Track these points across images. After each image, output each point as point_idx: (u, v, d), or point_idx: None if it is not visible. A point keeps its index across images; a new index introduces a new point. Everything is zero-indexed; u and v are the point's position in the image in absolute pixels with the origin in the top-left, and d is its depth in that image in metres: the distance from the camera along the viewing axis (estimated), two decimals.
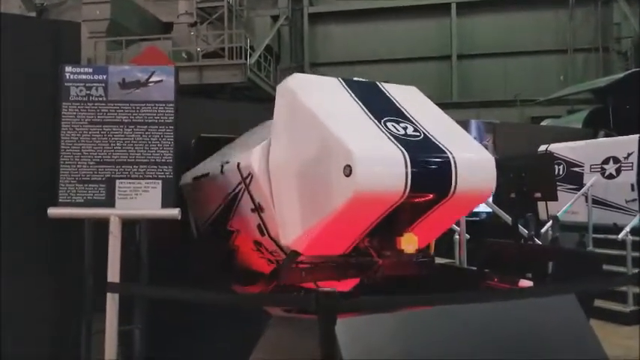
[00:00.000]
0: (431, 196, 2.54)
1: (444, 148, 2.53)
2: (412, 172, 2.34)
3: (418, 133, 2.59)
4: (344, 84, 2.85)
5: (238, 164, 2.90)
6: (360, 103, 2.69)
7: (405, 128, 2.59)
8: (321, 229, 2.49)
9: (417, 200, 2.56)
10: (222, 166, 3.15)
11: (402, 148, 2.39)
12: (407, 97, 2.94)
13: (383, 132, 2.50)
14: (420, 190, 2.42)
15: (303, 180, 2.56)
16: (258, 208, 2.85)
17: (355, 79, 3.11)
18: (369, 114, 2.62)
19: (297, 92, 2.69)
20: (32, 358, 3.46)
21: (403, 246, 2.61)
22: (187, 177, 3.80)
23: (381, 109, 2.71)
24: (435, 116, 2.90)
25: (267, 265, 3.04)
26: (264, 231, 2.86)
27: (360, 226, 2.57)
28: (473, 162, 2.59)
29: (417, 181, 2.35)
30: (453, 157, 2.49)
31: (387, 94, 2.92)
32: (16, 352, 3.35)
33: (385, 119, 2.60)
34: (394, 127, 2.57)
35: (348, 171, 2.26)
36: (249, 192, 2.88)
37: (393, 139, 2.46)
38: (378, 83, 3.00)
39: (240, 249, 3.33)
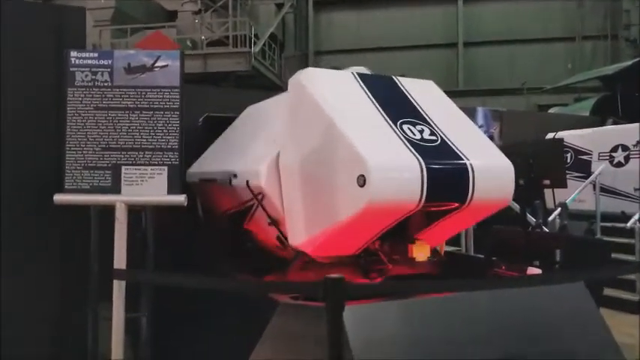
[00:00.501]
0: (446, 205, 2.48)
1: (461, 155, 2.45)
2: (428, 181, 2.27)
3: (435, 137, 2.50)
4: (359, 79, 2.74)
5: (247, 182, 2.81)
6: (376, 103, 2.60)
7: (421, 132, 2.50)
8: (331, 234, 2.45)
9: (431, 209, 2.50)
10: (230, 180, 3.07)
11: (418, 156, 2.31)
12: (424, 93, 2.83)
13: (399, 136, 2.41)
14: (436, 199, 2.36)
15: (314, 183, 2.49)
16: (274, 222, 2.80)
17: (370, 72, 3.00)
18: (384, 115, 2.53)
19: (310, 89, 2.59)
20: (39, 344, 3.47)
21: (415, 254, 2.57)
22: (194, 174, 3.73)
23: (398, 109, 2.62)
24: (451, 116, 2.80)
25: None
26: (284, 242, 2.82)
27: (371, 232, 2.52)
28: (490, 169, 2.51)
29: (433, 190, 2.29)
30: (471, 165, 2.41)
31: (404, 90, 2.81)
32: (22, 338, 3.36)
33: (401, 121, 2.51)
34: (410, 130, 2.48)
35: (362, 181, 2.20)
36: (263, 208, 2.82)
37: (409, 145, 2.37)
38: (394, 78, 2.89)
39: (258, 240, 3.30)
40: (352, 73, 2.80)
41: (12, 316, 3.38)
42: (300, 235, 2.61)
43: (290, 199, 2.64)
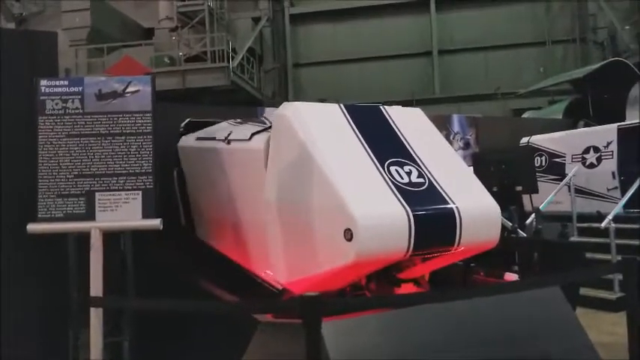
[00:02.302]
0: (433, 251, 2.49)
1: (448, 199, 2.45)
2: (415, 230, 2.28)
3: (422, 180, 2.50)
4: (345, 112, 2.71)
5: None
6: (363, 141, 2.58)
7: (409, 173, 2.50)
8: (317, 280, 2.45)
9: (418, 257, 2.51)
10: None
11: (405, 204, 2.31)
12: (410, 125, 2.82)
13: (386, 182, 2.41)
14: (424, 247, 2.37)
15: (298, 227, 2.48)
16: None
17: (357, 104, 2.96)
18: (372, 155, 2.51)
19: (296, 128, 2.54)
20: None
21: None
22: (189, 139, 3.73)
23: (385, 147, 2.60)
24: (439, 150, 2.81)
25: None
26: None
27: (356, 277, 2.54)
28: (477, 212, 2.52)
29: (421, 239, 2.31)
30: (458, 210, 2.42)
31: (391, 123, 2.79)
32: None
33: (389, 162, 2.51)
34: (398, 173, 2.47)
35: (349, 235, 2.19)
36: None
37: (396, 192, 2.37)
38: (381, 109, 2.87)
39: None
40: (339, 105, 2.77)
41: None
42: (283, 275, 2.62)
43: (273, 236, 2.62)
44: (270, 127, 2.80)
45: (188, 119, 3.99)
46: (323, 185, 2.34)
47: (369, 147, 2.55)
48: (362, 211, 2.21)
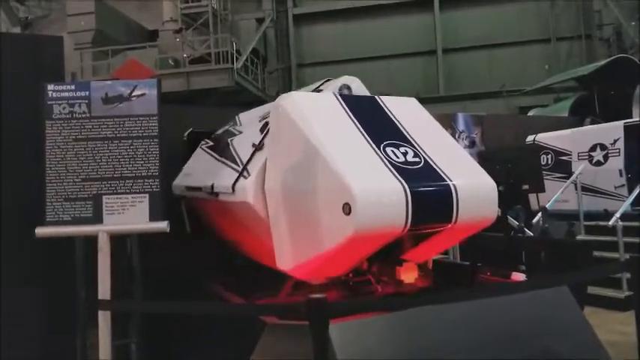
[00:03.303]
0: (431, 227, 2.50)
1: (444, 176, 2.47)
2: (413, 206, 2.29)
3: (418, 159, 2.52)
4: (341, 101, 2.75)
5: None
6: (359, 125, 2.61)
7: (404, 154, 2.52)
8: (319, 261, 2.46)
9: (417, 232, 2.52)
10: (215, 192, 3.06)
11: (402, 180, 2.33)
12: (406, 112, 2.85)
13: (382, 160, 2.44)
14: (421, 222, 2.38)
15: (299, 210, 2.50)
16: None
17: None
18: (367, 138, 2.54)
19: (293, 115, 2.59)
20: None
21: (402, 276, 2.61)
22: (180, 185, 3.76)
23: (381, 131, 2.63)
24: (434, 135, 2.83)
25: None
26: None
27: (358, 257, 2.55)
28: (474, 190, 2.53)
29: (418, 214, 2.31)
30: (454, 186, 2.44)
31: (387, 111, 2.82)
32: None
33: (385, 144, 2.53)
34: (394, 152, 2.50)
35: (347, 209, 2.21)
36: None
37: (392, 169, 2.39)
38: (376, 98, 2.91)
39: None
40: (334, 94, 2.81)
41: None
42: (287, 260, 2.62)
43: (276, 223, 2.64)
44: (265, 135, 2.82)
45: (190, 129, 4.01)
46: (320, 165, 2.37)
47: (365, 130, 2.58)
48: (359, 186, 2.24)
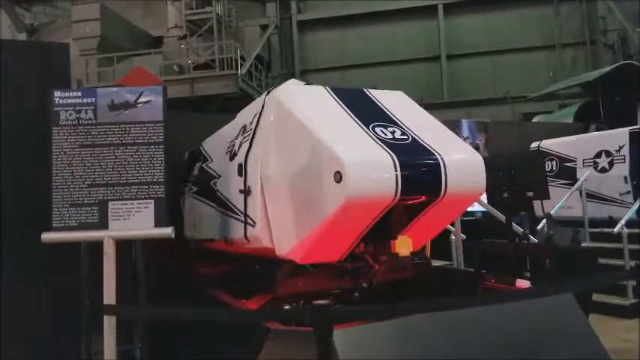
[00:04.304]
0: (422, 198, 2.56)
1: (432, 151, 2.55)
2: (402, 175, 2.36)
3: (406, 137, 2.61)
4: (330, 92, 2.87)
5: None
6: (348, 110, 2.72)
7: (393, 132, 2.61)
8: (316, 237, 2.50)
9: (408, 203, 2.58)
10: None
11: (391, 152, 2.41)
12: (394, 102, 2.96)
13: (371, 137, 2.52)
14: (411, 192, 2.44)
15: (295, 190, 2.57)
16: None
17: (341, 86, 3.12)
18: (356, 120, 2.64)
19: (284, 102, 2.71)
20: None
21: (398, 249, 2.63)
22: (192, 239, 3.93)
23: (369, 115, 2.73)
24: (422, 119, 2.92)
25: None
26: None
27: (353, 230, 2.58)
28: (462, 163, 2.61)
29: (408, 184, 2.38)
30: (442, 159, 2.51)
31: (374, 100, 2.94)
32: None
33: (373, 124, 2.62)
34: (382, 132, 2.59)
35: (338, 177, 2.28)
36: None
37: (381, 144, 2.48)
38: (365, 90, 3.02)
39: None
40: (324, 86, 2.92)
41: (6, 351, 3.37)
42: (287, 243, 2.66)
43: (274, 210, 2.70)
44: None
45: (191, 150, 4.10)
46: (312, 143, 2.45)
47: (354, 114, 2.69)
48: (349, 154, 2.32)
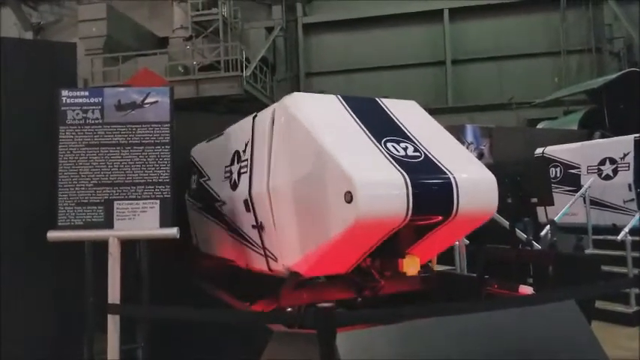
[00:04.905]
0: (433, 219, 2.53)
1: (444, 169, 2.50)
2: (413, 195, 2.32)
3: (418, 154, 2.56)
4: (343, 101, 2.82)
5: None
6: (360, 123, 2.67)
7: (405, 149, 2.56)
8: (322, 253, 2.49)
9: (419, 223, 2.55)
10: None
11: (403, 171, 2.37)
12: (406, 113, 2.91)
13: (383, 154, 2.47)
14: (422, 213, 2.40)
15: (302, 203, 2.54)
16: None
17: (354, 95, 3.08)
18: (368, 134, 2.59)
19: (295, 112, 2.66)
20: None
21: (405, 269, 2.61)
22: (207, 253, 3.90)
23: (381, 128, 2.68)
24: (435, 133, 2.87)
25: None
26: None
27: (361, 248, 2.56)
28: (474, 182, 2.56)
29: (419, 204, 2.34)
30: (454, 178, 2.47)
31: (387, 111, 2.89)
32: None
33: (385, 139, 2.58)
34: (394, 147, 2.54)
35: (349, 197, 2.24)
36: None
37: (393, 162, 2.43)
38: (377, 100, 2.97)
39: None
40: (336, 95, 2.87)
41: (8, 349, 3.38)
42: (292, 255, 2.65)
43: (281, 220, 2.68)
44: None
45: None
46: (322, 158, 2.41)
47: (366, 128, 2.64)
48: (360, 174, 2.28)
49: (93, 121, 2.95)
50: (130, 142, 2.95)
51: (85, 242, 3.04)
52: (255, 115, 3.01)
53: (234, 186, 3.16)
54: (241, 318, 2.64)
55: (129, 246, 3.18)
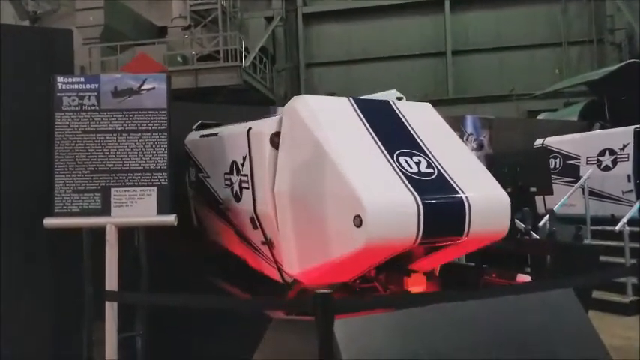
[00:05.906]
0: (443, 241, 2.49)
1: (457, 188, 2.45)
2: (424, 218, 2.28)
3: (432, 170, 2.50)
4: (355, 106, 2.72)
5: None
6: (372, 133, 2.59)
7: (418, 164, 2.50)
8: (327, 268, 2.46)
9: (428, 244, 2.51)
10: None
11: (415, 192, 2.32)
12: (420, 119, 2.82)
13: (395, 171, 2.41)
14: (433, 235, 2.37)
15: (310, 215, 2.49)
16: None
17: (367, 97, 2.96)
18: (381, 147, 2.52)
19: (305, 118, 2.56)
20: None
21: (410, 287, 2.60)
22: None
23: (395, 139, 2.60)
24: (448, 143, 2.80)
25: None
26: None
27: (366, 266, 2.54)
28: (487, 203, 2.51)
29: (430, 227, 2.30)
30: (467, 199, 2.42)
31: (401, 116, 2.79)
32: None
33: (398, 153, 2.51)
34: (407, 162, 2.47)
35: (358, 222, 2.20)
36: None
37: (405, 180, 2.37)
38: (391, 102, 2.88)
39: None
40: (348, 99, 2.77)
41: (6, 338, 3.38)
42: (294, 265, 2.63)
43: (284, 226, 2.64)
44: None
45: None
46: (332, 174, 2.35)
47: (378, 138, 2.56)
48: (371, 198, 2.22)
49: (89, 108, 2.93)
50: (126, 128, 2.92)
51: (82, 230, 3.03)
52: (250, 129, 2.91)
53: (237, 198, 3.10)
54: (240, 305, 2.64)
55: (128, 233, 3.18)
